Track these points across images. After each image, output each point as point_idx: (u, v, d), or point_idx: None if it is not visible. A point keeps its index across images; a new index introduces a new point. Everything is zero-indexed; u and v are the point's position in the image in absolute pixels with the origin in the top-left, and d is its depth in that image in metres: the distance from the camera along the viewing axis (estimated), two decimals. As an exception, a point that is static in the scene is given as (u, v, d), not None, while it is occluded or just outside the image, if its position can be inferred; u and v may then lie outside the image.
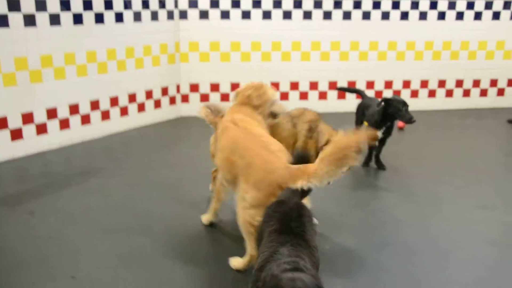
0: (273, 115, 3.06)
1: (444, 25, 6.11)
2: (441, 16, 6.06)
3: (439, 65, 6.25)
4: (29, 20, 4.36)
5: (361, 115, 4.45)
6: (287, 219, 2.10)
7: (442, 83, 6.35)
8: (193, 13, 5.71)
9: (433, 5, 6.01)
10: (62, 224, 3.27)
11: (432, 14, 6.04)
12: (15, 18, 4.26)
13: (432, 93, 6.37)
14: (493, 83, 6.44)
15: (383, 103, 4.12)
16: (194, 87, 5.98)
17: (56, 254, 2.89)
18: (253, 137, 2.64)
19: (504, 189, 3.95)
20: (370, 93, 5.94)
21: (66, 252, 2.92)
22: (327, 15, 5.89)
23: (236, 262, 2.71)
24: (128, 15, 5.13)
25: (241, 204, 2.55)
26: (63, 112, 4.81)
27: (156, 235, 3.13)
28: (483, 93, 6.47)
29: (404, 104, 4.08)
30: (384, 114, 4.13)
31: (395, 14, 5.98)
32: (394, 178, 4.18)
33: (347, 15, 5.92)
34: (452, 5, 6.03)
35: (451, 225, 3.30)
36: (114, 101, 5.25)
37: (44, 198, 3.68)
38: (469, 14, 6.09)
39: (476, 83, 6.42)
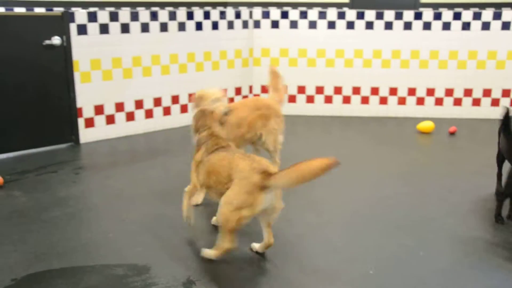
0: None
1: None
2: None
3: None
4: (124, 28, 5.48)
5: None
6: None
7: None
8: (265, 23, 6.52)
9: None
10: (127, 186, 4.25)
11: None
12: (115, 26, 5.41)
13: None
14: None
15: None
16: (264, 89, 6.78)
17: (116, 205, 3.85)
18: None
19: None
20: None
21: (124, 204, 3.87)
22: (388, 26, 6.37)
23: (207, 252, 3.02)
24: (206, 24, 6.09)
25: None
26: (148, 104, 5.87)
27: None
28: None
29: None
30: None
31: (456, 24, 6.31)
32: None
33: (408, 26, 6.34)
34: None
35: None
36: (192, 97, 6.21)
37: (121, 168, 4.71)
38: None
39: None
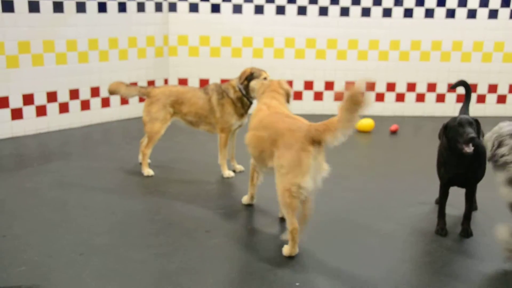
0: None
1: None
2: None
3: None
4: (8, 6, 5.27)
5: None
6: None
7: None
8: (182, 6, 6.50)
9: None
10: (11, 197, 4.07)
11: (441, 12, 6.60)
12: (-5, 4, 5.20)
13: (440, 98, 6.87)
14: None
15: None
16: (183, 82, 6.75)
17: (-5, 218, 3.69)
18: (278, 114, 3.45)
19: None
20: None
21: (5, 218, 3.69)
22: (323, 11, 6.54)
23: (286, 249, 3.22)
24: (112, 5, 5.98)
25: (278, 173, 3.20)
26: (40, 99, 5.67)
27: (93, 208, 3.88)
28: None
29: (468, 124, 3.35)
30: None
31: (398, 12, 6.57)
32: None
33: (344, 11, 6.54)
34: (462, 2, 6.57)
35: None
36: (95, 91, 6.07)
37: (3, 175, 4.51)
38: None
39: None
